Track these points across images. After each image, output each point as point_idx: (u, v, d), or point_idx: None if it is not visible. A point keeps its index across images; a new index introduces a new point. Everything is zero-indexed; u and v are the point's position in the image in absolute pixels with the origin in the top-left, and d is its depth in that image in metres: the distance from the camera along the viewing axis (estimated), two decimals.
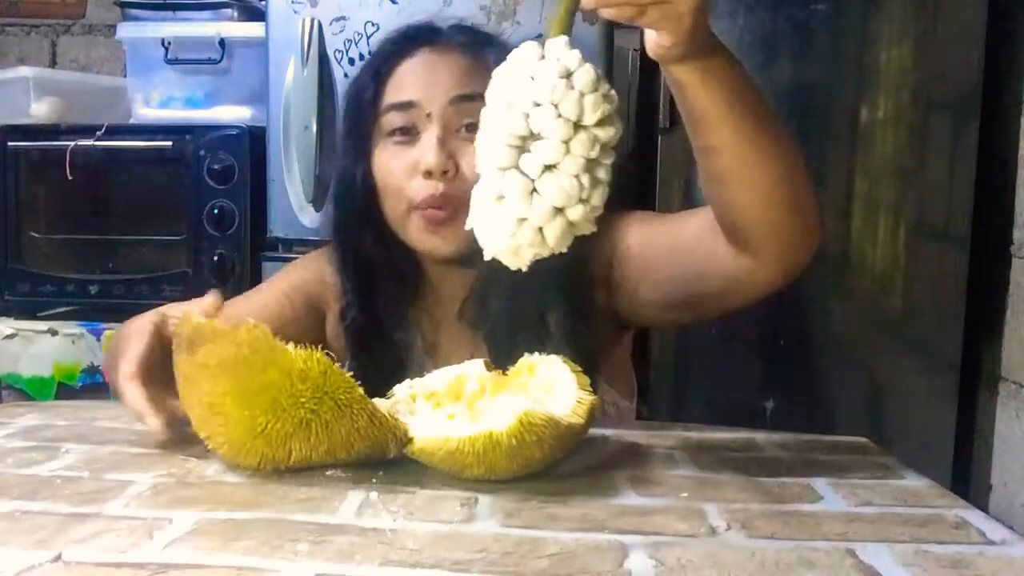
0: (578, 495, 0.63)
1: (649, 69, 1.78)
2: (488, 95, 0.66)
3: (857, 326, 1.63)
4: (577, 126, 0.62)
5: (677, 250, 0.88)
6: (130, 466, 0.68)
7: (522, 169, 0.63)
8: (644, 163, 1.78)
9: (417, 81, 0.93)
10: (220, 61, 1.83)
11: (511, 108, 0.63)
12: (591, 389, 0.71)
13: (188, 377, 0.67)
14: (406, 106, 0.92)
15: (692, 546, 0.54)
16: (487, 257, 0.67)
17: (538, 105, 0.62)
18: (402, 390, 0.74)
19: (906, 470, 0.73)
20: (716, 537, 0.55)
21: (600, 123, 0.63)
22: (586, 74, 0.62)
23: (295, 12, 1.62)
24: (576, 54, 0.63)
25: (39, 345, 1.74)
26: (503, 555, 0.52)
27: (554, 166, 0.63)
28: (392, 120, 0.93)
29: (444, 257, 0.94)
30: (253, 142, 1.72)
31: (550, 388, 0.70)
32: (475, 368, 0.75)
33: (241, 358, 0.64)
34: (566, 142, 0.62)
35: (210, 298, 0.78)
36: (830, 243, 1.64)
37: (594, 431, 0.76)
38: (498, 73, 0.66)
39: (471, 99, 0.89)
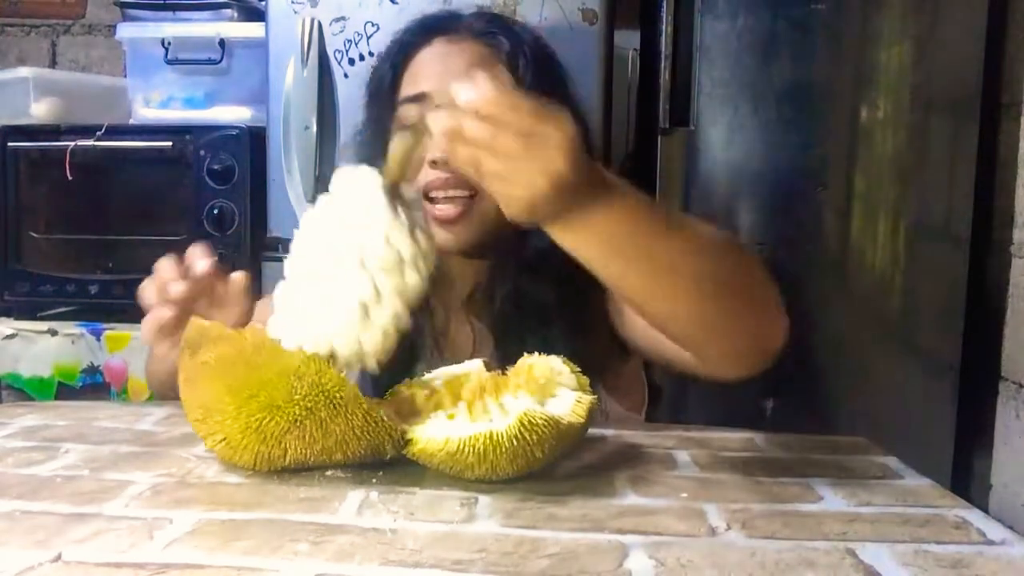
0: (578, 495, 0.63)
1: (649, 69, 1.78)
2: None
3: (857, 326, 1.64)
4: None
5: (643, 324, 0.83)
6: (130, 466, 0.68)
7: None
8: (644, 163, 1.78)
9: (431, 72, 0.94)
10: (220, 61, 1.83)
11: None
12: (590, 389, 0.71)
13: (189, 378, 0.67)
14: (419, 98, 0.92)
15: (692, 546, 0.54)
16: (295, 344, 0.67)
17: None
18: (402, 390, 0.74)
19: (906, 470, 0.73)
20: (716, 537, 0.55)
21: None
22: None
23: (295, 12, 1.62)
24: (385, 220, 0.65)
25: (39, 345, 1.74)
26: (503, 555, 0.52)
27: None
28: (408, 113, 0.93)
29: (454, 249, 0.94)
30: (253, 142, 1.72)
31: (550, 388, 0.70)
32: (475, 368, 0.75)
33: (240, 357, 0.64)
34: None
35: (200, 259, 0.82)
36: (830, 243, 1.65)
37: (594, 431, 0.76)
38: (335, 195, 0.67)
39: None
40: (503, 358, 0.79)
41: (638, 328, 0.87)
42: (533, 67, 0.94)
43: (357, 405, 0.64)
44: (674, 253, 0.65)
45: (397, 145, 0.66)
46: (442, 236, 0.91)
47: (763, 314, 0.73)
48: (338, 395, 0.63)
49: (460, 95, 0.58)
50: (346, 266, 0.65)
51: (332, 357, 0.66)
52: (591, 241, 0.63)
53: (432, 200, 0.91)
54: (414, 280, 0.66)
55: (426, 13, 1.01)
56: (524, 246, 0.92)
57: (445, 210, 0.90)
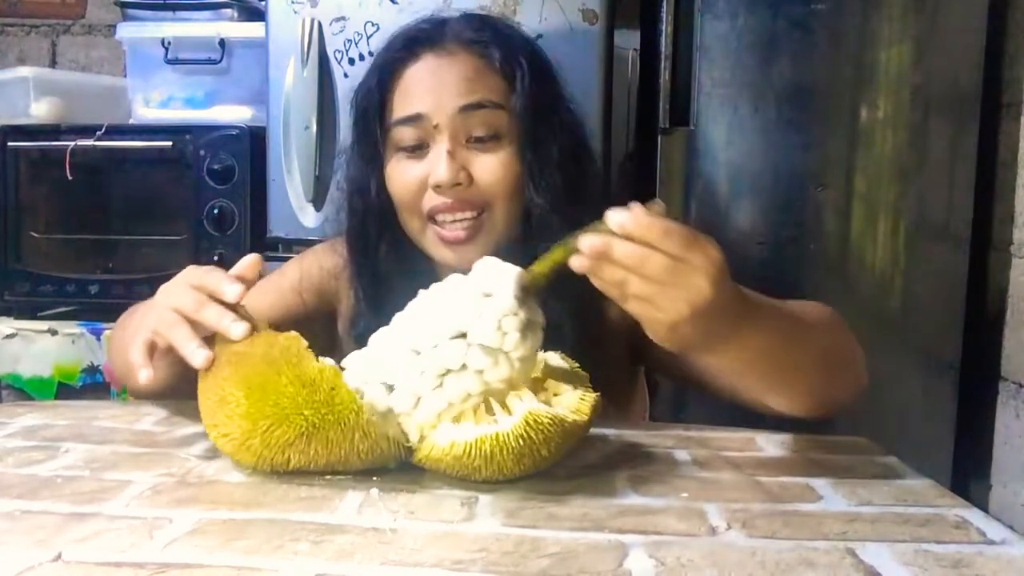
0: (578, 495, 0.63)
1: (649, 69, 1.78)
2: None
3: (857, 326, 1.63)
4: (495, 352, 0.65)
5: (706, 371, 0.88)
6: (130, 466, 0.68)
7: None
8: (644, 163, 1.78)
9: (423, 91, 0.90)
10: (220, 61, 1.83)
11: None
12: (591, 386, 0.71)
13: (218, 362, 0.67)
14: (414, 119, 0.89)
15: (692, 546, 0.54)
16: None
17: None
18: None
19: (906, 470, 0.73)
20: (716, 537, 0.55)
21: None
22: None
23: (295, 12, 1.62)
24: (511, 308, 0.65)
25: (39, 345, 1.74)
26: (503, 555, 0.52)
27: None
28: (401, 135, 0.90)
29: (465, 267, 0.91)
30: (253, 142, 1.72)
31: (552, 387, 0.70)
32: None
33: (267, 356, 0.64)
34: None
35: (250, 259, 0.78)
36: (830, 243, 1.65)
37: (595, 431, 0.76)
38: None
39: (479, 107, 0.88)
40: None
41: (687, 366, 0.89)
42: (529, 75, 0.91)
43: (367, 432, 0.63)
44: (797, 355, 0.73)
45: (550, 256, 0.67)
46: (451, 256, 0.90)
47: (851, 378, 0.82)
48: (348, 417, 0.63)
49: (613, 219, 0.61)
50: (448, 332, 0.65)
51: (388, 409, 0.66)
52: (727, 360, 0.69)
53: (439, 223, 0.90)
54: (503, 372, 0.65)
55: (422, 14, 0.97)
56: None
57: (454, 232, 0.89)
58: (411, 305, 0.70)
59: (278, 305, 0.99)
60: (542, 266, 0.67)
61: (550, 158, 0.90)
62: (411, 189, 0.90)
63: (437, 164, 0.88)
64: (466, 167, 0.88)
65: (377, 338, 0.71)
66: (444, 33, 0.93)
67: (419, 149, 0.90)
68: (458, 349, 0.65)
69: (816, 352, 0.76)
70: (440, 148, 0.88)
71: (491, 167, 0.88)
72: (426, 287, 0.82)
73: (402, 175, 0.91)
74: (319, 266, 1.02)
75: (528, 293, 0.66)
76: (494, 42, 0.92)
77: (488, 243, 0.90)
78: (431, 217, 0.90)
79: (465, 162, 0.88)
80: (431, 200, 0.89)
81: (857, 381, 0.82)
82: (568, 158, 0.92)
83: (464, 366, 0.64)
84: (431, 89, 0.89)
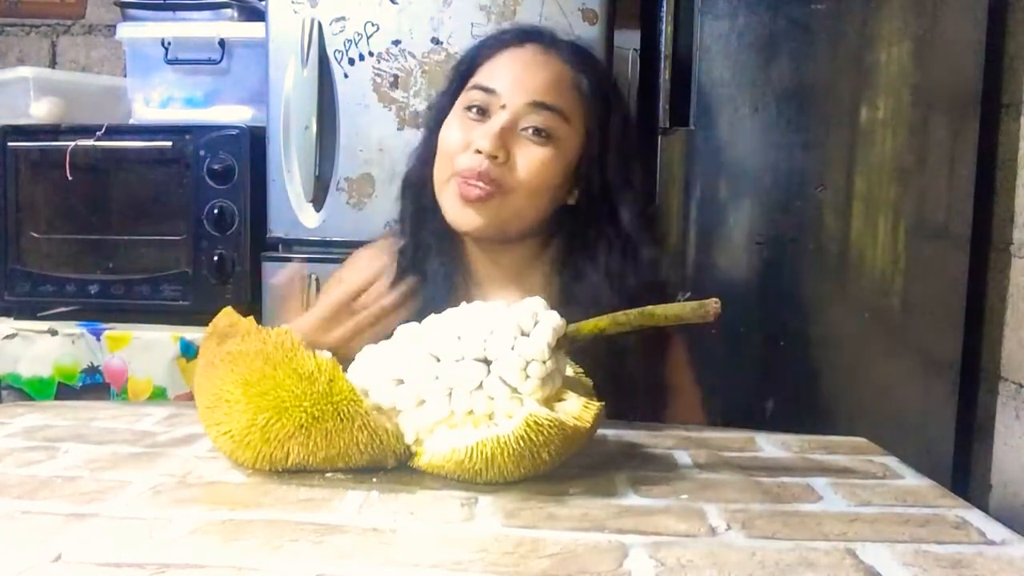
0: (578, 495, 0.63)
1: (649, 69, 1.78)
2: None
3: (857, 326, 1.64)
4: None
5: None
6: (130, 466, 0.68)
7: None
8: (644, 163, 1.78)
9: (509, 73, 0.99)
10: (220, 61, 1.83)
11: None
12: (595, 394, 0.72)
13: (209, 363, 0.68)
14: (488, 91, 0.98)
15: (692, 546, 0.54)
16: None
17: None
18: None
19: (906, 470, 0.73)
20: (716, 537, 0.55)
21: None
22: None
23: (295, 12, 1.62)
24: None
25: (39, 345, 1.73)
26: (503, 555, 0.52)
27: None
28: (473, 96, 0.99)
29: (470, 231, 0.98)
30: (253, 142, 1.71)
31: (557, 393, 0.70)
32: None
33: (261, 353, 0.64)
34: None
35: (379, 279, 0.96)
36: (830, 243, 1.65)
37: None
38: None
39: (548, 109, 0.96)
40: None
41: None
42: (606, 110, 1.02)
43: (365, 421, 0.64)
44: None
45: (596, 322, 0.68)
46: (461, 215, 0.97)
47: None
48: (346, 408, 0.63)
49: None
50: (475, 353, 0.66)
51: (392, 404, 0.67)
52: None
53: (462, 179, 0.96)
54: (512, 408, 0.65)
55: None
56: (554, 234, 1.03)
57: (470, 190, 0.95)
58: (447, 313, 0.71)
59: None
60: (585, 327, 0.68)
61: (601, 178, 1.00)
62: (457, 144, 0.97)
63: (488, 133, 0.95)
64: (509, 147, 0.96)
65: (402, 332, 0.71)
66: (553, 37, 1.03)
67: (482, 112, 0.98)
68: (479, 371, 0.65)
69: None
70: (496, 122, 0.96)
71: (532, 158, 0.96)
72: (449, 252, 1.01)
73: (457, 130, 0.98)
74: (368, 264, 1.06)
75: (562, 347, 0.67)
76: (590, 69, 1.02)
77: (500, 216, 0.97)
78: (458, 173, 0.96)
79: (513, 144, 0.96)
80: (465, 161, 0.96)
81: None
82: (624, 191, 1.02)
83: (480, 386, 0.65)
84: (517, 74, 0.98)
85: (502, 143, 0.95)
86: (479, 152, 0.94)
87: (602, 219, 1.01)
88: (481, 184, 0.95)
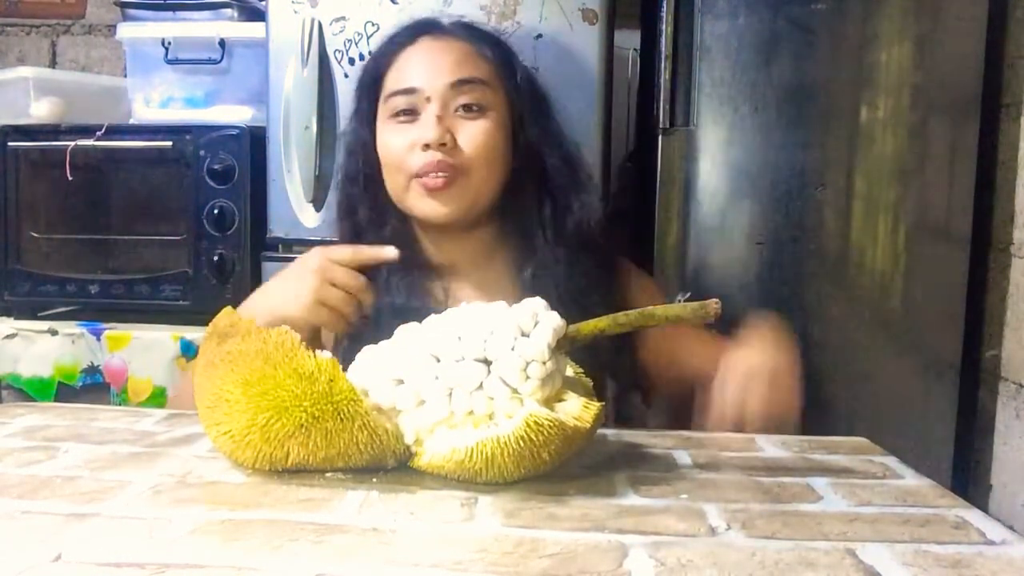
0: (578, 495, 0.63)
1: (649, 69, 1.78)
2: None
3: (857, 326, 1.64)
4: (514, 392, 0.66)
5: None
6: (130, 466, 0.68)
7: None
8: (644, 163, 1.78)
9: (419, 68, 1.02)
10: (220, 61, 1.83)
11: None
12: (595, 395, 0.72)
13: (209, 363, 0.67)
14: (408, 92, 1.02)
15: (692, 546, 0.54)
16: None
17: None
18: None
19: (906, 470, 0.73)
20: (716, 537, 0.55)
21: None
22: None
23: (295, 12, 1.62)
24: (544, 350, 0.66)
25: (39, 345, 1.73)
26: (503, 555, 0.52)
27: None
28: (395, 103, 1.02)
29: (441, 220, 1.02)
30: (253, 142, 1.71)
31: (558, 393, 0.70)
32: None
33: (261, 352, 0.64)
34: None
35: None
36: (830, 243, 1.65)
37: None
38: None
39: (469, 83, 1.01)
40: None
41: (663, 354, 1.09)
42: (515, 64, 1.07)
43: (365, 421, 0.64)
44: None
45: (596, 322, 0.69)
46: (430, 207, 1.01)
47: None
48: (346, 408, 0.63)
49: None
50: (475, 353, 0.66)
51: (391, 404, 0.67)
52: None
53: (422, 178, 1.00)
54: (512, 408, 0.65)
55: (417, 18, 1.10)
56: (512, 229, 1.06)
57: (434, 181, 0.99)
58: (448, 312, 0.71)
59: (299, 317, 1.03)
60: (586, 328, 0.68)
61: (532, 137, 1.05)
62: (400, 149, 1.01)
63: (427, 125, 0.99)
64: (451, 131, 1.00)
65: (402, 332, 0.71)
66: (441, 24, 1.07)
67: (410, 114, 1.01)
68: (479, 372, 0.65)
69: None
70: (430, 113, 1.00)
71: (474, 133, 1.00)
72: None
73: (393, 137, 1.02)
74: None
75: (562, 348, 0.67)
76: (486, 39, 1.07)
77: (465, 197, 1.01)
78: (417, 176, 1.00)
79: (451, 127, 1.00)
80: (418, 160, 0.99)
81: None
82: (551, 145, 1.06)
83: (480, 386, 0.65)
84: (426, 67, 1.02)
85: (443, 128, 0.99)
86: (427, 147, 0.98)
87: (537, 176, 1.05)
88: (441, 173, 0.99)
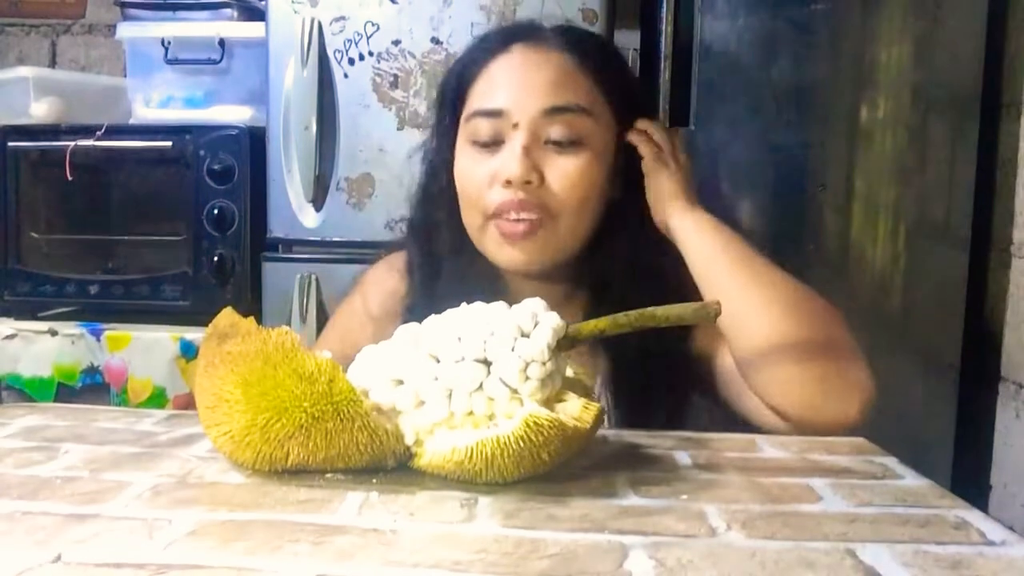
0: (578, 495, 0.63)
1: (649, 69, 1.78)
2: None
3: (857, 326, 1.63)
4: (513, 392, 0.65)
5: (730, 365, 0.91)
6: (130, 466, 0.68)
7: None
8: None
9: (509, 85, 0.87)
10: (220, 61, 1.83)
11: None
12: (592, 396, 0.72)
13: (210, 364, 0.68)
14: (493, 114, 0.86)
15: (692, 546, 0.54)
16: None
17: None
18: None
19: (906, 470, 0.72)
20: (716, 537, 0.55)
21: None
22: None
23: (295, 12, 1.62)
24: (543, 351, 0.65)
25: (39, 345, 1.73)
26: (503, 555, 0.52)
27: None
28: (477, 127, 0.87)
29: (522, 271, 0.90)
30: (253, 142, 1.72)
31: (558, 394, 0.70)
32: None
33: (261, 353, 0.64)
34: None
35: None
36: (830, 243, 1.65)
37: None
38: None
39: (565, 111, 0.85)
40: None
41: (725, 370, 0.92)
42: (624, 84, 0.92)
43: (365, 421, 0.64)
44: (772, 271, 0.90)
45: (596, 322, 0.67)
46: (508, 255, 0.88)
47: (842, 358, 0.84)
48: (346, 408, 0.63)
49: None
50: (475, 354, 0.65)
51: (391, 404, 0.66)
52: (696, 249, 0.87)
53: (501, 219, 0.87)
54: (511, 409, 0.65)
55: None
56: (595, 272, 0.91)
57: (514, 227, 0.86)
58: (447, 313, 0.70)
59: (350, 334, 0.96)
60: (585, 328, 0.68)
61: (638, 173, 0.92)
62: (478, 183, 0.87)
63: (510, 159, 0.84)
64: (539, 167, 0.85)
65: (401, 332, 0.71)
66: (541, 30, 0.91)
67: (493, 144, 0.87)
68: (478, 373, 0.65)
69: (794, 295, 0.87)
70: (515, 143, 0.85)
71: (567, 171, 0.85)
72: (480, 287, 0.84)
73: (472, 167, 0.88)
74: (378, 287, 0.99)
75: (562, 348, 0.67)
76: (594, 49, 0.90)
77: (547, 249, 0.87)
78: (496, 214, 0.86)
79: (539, 162, 0.85)
80: (496, 197, 0.86)
81: (852, 369, 0.83)
82: None
83: (480, 387, 0.65)
84: (517, 85, 0.86)
85: (531, 163, 0.84)
86: (509, 183, 0.84)
87: (638, 213, 0.91)
88: (524, 215, 0.85)
